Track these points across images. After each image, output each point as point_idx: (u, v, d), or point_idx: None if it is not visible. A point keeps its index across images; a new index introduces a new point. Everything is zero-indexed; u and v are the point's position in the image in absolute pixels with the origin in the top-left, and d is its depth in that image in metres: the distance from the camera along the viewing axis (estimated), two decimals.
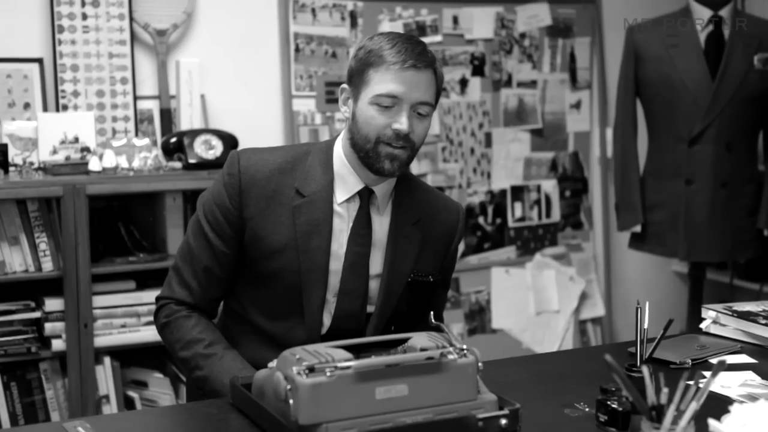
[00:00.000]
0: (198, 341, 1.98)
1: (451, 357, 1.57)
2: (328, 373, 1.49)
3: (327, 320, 2.02)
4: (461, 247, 4.02)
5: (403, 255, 2.04)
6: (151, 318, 3.13)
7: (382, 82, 1.89)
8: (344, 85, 2.00)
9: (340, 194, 2.00)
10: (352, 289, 2.00)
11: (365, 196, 2.00)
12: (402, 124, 1.89)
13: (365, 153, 1.93)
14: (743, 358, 2.05)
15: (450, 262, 2.17)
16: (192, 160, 3.23)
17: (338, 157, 2.01)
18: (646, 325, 1.84)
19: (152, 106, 3.48)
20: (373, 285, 2.03)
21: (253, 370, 1.87)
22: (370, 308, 2.04)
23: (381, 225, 2.03)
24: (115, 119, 3.39)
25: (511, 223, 4.16)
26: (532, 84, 4.16)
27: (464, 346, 1.60)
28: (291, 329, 1.99)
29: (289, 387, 1.50)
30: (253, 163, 1.99)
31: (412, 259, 2.05)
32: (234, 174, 1.98)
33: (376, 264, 2.03)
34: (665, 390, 1.38)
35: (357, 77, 1.94)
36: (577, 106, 4.27)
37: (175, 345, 2.02)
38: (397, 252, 2.03)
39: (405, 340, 1.64)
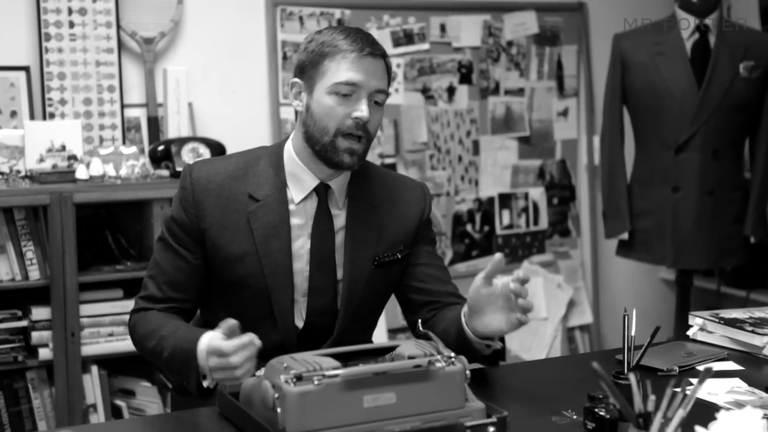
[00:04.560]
0: (158, 328, 1.95)
1: (438, 365, 1.57)
2: (316, 382, 1.49)
3: (299, 321, 2.02)
4: (449, 253, 4.03)
5: (363, 242, 2.02)
6: None
7: (340, 70, 1.89)
8: (295, 79, 1.98)
9: (296, 194, 2.00)
10: (321, 286, 2.01)
11: (322, 192, 2.01)
12: (362, 111, 1.89)
13: (322, 146, 1.93)
14: (730, 365, 2.06)
15: (425, 230, 2.12)
16: (179, 168, 3.22)
17: (289, 157, 2.01)
18: (633, 333, 1.84)
19: (139, 114, 3.47)
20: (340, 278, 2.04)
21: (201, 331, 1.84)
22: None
23: (341, 218, 2.03)
24: (102, 127, 3.38)
25: (498, 231, 4.17)
26: (520, 92, 4.17)
27: (452, 354, 1.60)
28: (265, 334, 1.98)
29: (276, 395, 1.49)
30: (204, 174, 2.00)
31: (373, 245, 2.03)
32: (186, 187, 2.00)
33: (340, 256, 2.03)
34: (652, 397, 1.38)
35: (311, 69, 1.93)
36: (564, 113, 4.28)
37: (142, 341, 1.99)
38: (357, 239, 2.02)
39: (393, 348, 1.64)
